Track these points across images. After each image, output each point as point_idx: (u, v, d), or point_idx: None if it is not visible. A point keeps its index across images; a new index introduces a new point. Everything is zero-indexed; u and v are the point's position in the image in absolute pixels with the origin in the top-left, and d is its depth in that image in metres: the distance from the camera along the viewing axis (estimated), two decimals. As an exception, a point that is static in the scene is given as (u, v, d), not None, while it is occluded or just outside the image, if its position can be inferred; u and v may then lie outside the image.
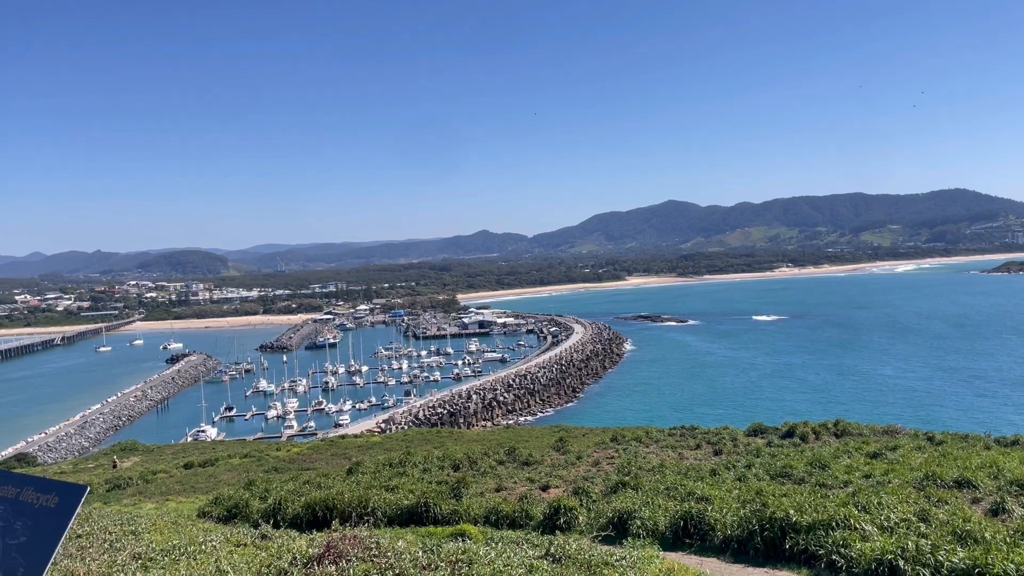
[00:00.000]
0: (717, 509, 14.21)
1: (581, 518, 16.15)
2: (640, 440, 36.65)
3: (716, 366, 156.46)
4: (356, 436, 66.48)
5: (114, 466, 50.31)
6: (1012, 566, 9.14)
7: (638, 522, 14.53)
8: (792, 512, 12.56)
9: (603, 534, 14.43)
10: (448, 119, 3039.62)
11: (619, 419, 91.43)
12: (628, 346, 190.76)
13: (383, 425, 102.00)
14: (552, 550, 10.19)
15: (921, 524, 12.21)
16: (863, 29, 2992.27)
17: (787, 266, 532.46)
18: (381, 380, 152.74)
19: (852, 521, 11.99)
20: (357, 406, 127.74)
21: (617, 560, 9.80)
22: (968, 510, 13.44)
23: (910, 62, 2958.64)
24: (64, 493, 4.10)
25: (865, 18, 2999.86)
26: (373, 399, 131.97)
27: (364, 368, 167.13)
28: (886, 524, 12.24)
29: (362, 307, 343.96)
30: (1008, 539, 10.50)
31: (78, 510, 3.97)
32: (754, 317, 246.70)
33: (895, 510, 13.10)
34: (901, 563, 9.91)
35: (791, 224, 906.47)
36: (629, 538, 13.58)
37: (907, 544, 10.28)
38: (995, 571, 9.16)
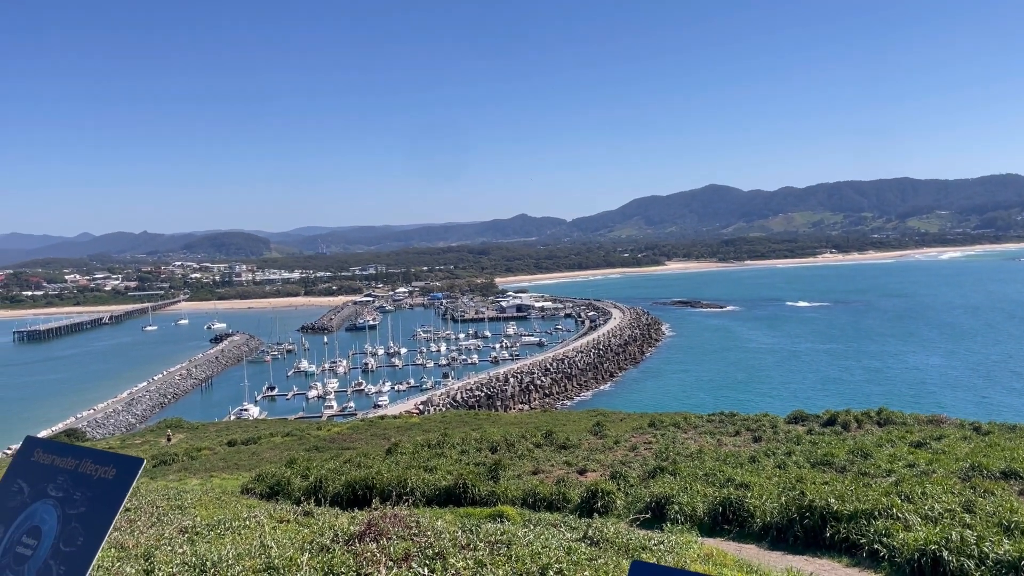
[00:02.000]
0: (756, 496, 14.13)
1: (619, 502, 16.18)
2: (678, 425, 36.52)
3: (755, 352, 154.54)
4: (395, 417, 67.16)
5: (168, 439, 52.36)
6: (1061, 559, 8.96)
7: (676, 507, 14.52)
8: (833, 500, 12.45)
9: (641, 518, 14.44)
10: (487, 101, 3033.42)
11: (657, 404, 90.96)
12: (666, 331, 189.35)
13: (421, 407, 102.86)
14: (590, 533, 10.23)
15: (966, 515, 12.03)
16: (908, 7, 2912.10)
17: (830, 252, 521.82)
18: (419, 362, 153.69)
19: (895, 510, 11.85)
20: (396, 387, 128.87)
21: (655, 544, 9.80)
22: (1015, 501, 13.19)
23: (955, 42, 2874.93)
24: (121, 465, 4.23)
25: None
26: (412, 381, 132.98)
27: (403, 350, 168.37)
28: (930, 514, 12.08)
29: (401, 290, 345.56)
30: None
31: (134, 482, 4.11)
32: (795, 303, 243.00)
33: (939, 500, 12.92)
34: (945, 554, 9.76)
35: (835, 209, 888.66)
36: (667, 523, 13.58)
37: (952, 535, 10.13)
38: (1043, 564, 8.99)
